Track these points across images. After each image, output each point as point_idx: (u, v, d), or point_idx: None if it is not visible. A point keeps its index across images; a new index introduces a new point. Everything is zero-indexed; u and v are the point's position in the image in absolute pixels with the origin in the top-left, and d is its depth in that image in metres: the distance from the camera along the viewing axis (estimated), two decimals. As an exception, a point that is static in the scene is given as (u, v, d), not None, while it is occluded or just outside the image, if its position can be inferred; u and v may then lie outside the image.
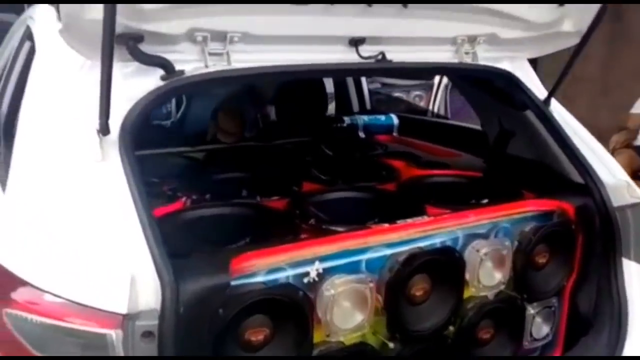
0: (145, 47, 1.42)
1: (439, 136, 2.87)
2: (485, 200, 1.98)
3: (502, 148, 2.34)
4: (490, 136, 2.43)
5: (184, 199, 1.92)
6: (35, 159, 1.43)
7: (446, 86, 4.86)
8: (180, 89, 1.48)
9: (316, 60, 1.69)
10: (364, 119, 3.03)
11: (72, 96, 1.45)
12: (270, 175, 2.21)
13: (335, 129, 3.00)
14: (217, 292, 1.27)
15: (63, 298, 1.21)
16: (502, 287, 1.78)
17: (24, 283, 1.25)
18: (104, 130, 1.35)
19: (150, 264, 1.23)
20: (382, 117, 3.07)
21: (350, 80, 3.37)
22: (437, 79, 4.80)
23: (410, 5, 1.68)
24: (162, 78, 1.47)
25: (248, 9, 1.49)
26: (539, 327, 1.92)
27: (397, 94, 4.56)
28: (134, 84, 1.44)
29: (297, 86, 3.00)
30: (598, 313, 1.91)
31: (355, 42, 1.74)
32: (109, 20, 1.16)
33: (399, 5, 1.68)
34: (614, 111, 5.32)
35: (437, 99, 4.78)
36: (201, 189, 2.01)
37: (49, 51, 1.64)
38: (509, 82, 2.05)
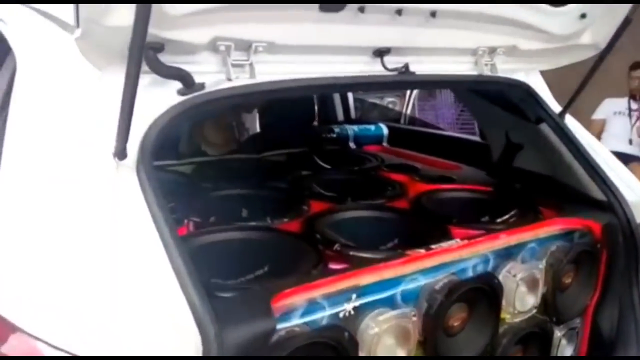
0: (163, 58, 1.24)
1: (431, 147, 2.79)
2: (506, 217, 1.91)
3: (509, 162, 2.27)
4: (495, 149, 2.36)
5: (186, 222, 1.74)
6: (34, 189, 1.23)
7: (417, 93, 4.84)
8: (201, 106, 1.30)
9: (341, 73, 1.56)
10: (354, 129, 2.91)
11: (78, 114, 1.25)
12: (274, 193, 2.05)
13: (325, 140, 2.86)
14: (262, 340, 1.11)
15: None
16: (534, 311, 1.69)
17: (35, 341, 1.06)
18: (121, 153, 1.16)
19: (188, 313, 1.06)
20: (372, 127, 2.97)
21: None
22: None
23: (438, 15, 1.58)
24: (180, 92, 1.29)
25: (276, 16, 1.34)
26: (563, 350, 1.85)
27: (371, 100, 4.46)
28: (151, 100, 1.26)
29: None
30: (620, 332, 1.86)
31: (380, 53, 1.62)
32: (141, 26, 0.99)
33: (427, 14, 1.57)
34: (573, 117, 5.44)
35: (409, 105, 4.73)
36: (202, 209, 1.83)
37: (40, 62, 1.43)
38: (526, 95, 1.98)
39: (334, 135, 2.87)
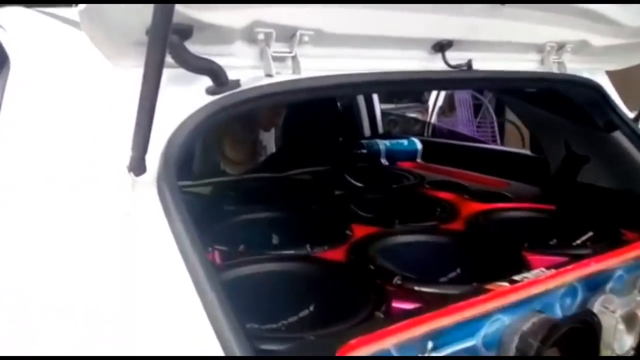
0: (189, 47, 0.99)
1: (472, 162, 2.52)
2: (583, 240, 1.63)
3: (572, 175, 2.00)
4: (553, 162, 2.09)
5: (211, 251, 1.47)
6: (29, 215, 0.97)
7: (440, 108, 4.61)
8: (235, 107, 1.05)
9: (398, 69, 1.31)
10: (386, 143, 2.65)
11: (84, 120, 1.00)
12: (309, 217, 1.78)
13: (355, 156, 2.60)
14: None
15: None
16: (632, 353, 1.40)
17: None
18: (139, 167, 0.90)
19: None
20: (405, 142, 2.70)
21: (360, 99, 2.98)
22: (432, 100, 4.50)
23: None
24: (210, 91, 1.04)
25: (325, -4, 1.09)
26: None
27: (393, 117, 4.21)
28: (174, 100, 1.00)
29: (306, 105, 2.60)
30: None
31: (441, 47, 1.36)
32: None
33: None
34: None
35: (431, 120, 4.48)
36: (228, 236, 1.56)
37: (40, 64, 1.18)
38: (598, 97, 1.72)
39: (364, 151, 2.61)
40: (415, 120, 4.43)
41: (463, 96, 6.00)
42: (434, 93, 4.49)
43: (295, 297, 1.28)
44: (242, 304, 1.24)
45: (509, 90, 2.04)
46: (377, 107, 3.00)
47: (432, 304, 1.18)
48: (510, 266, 1.39)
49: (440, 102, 4.51)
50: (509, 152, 2.47)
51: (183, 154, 0.98)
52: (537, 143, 2.28)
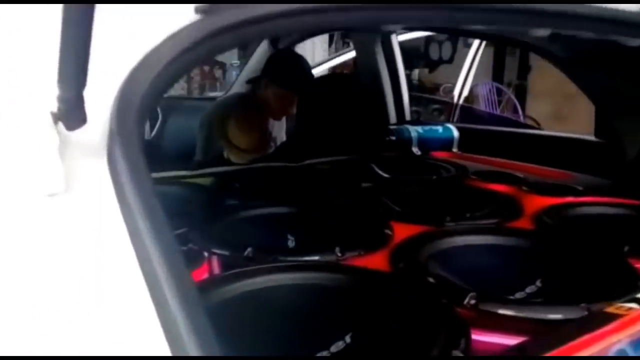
0: None
1: (521, 151, 2.14)
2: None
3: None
4: (630, 147, 1.71)
5: (207, 257, 1.10)
6: None
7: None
8: (236, 30, 0.68)
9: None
10: (418, 130, 2.27)
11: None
12: (334, 213, 1.40)
13: (382, 144, 2.23)
14: None
15: None
16: None
17: None
18: (72, 116, 0.53)
19: None
20: (439, 128, 2.32)
21: (387, 83, 2.61)
22: (457, 91, 4.13)
23: None
24: (201, 9, 0.67)
25: None
26: None
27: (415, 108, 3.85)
28: (147, 17, 0.64)
29: (324, 85, 2.25)
30: None
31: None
32: None
33: None
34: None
35: (457, 110, 4.11)
36: (232, 238, 1.19)
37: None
38: None
39: (393, 138, 2.23)
40: (440, 111, 4.05)
41: (485, 88, 5.64)
42: (459, 82, 4.12)
43: (324, 323, 0.91)
44: (246, 331, 0.88)
45: (594, 49, 1.62)
46: (405, 90, 2.63)
47: (530, 335, 0.81)
48: (619, 278, 1.01)
49: (465, 92, 4.13)
50: (567, 138, 2.08)
51: (156, 101, 0.60)
52: (604, 127, 1.90)
